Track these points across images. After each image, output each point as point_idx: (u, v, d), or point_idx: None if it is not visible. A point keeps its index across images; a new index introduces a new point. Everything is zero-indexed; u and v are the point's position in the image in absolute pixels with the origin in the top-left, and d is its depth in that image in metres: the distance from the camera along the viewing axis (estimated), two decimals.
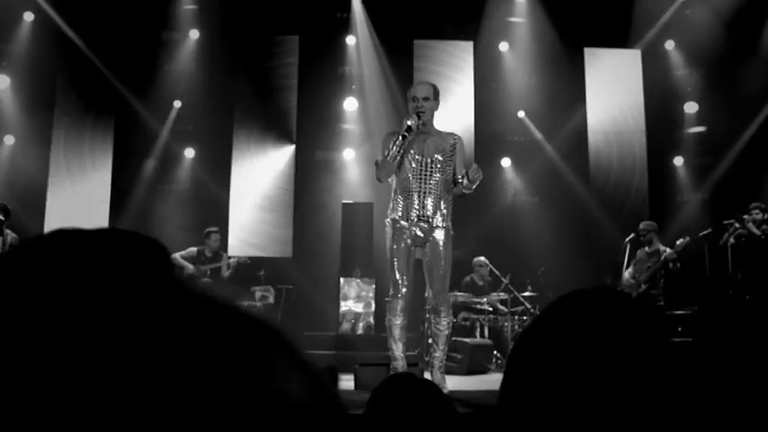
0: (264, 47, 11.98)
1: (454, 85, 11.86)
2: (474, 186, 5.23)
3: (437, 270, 5.30)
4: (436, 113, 5.44)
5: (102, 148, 11.43)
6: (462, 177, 5.30)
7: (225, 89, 11.82)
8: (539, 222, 11.76)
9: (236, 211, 11.59)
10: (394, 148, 5.10)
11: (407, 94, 5.42)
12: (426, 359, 5.50)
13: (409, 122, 5.13)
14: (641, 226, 9.63)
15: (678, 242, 9.13)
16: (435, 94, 5.38)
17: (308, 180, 11.86)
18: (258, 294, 10.25)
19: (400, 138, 5.11)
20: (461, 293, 9.63)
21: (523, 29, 12.31)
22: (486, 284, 10.06)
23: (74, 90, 11.44)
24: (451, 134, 5.49)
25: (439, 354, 5.40)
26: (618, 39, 11.91)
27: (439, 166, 5.28)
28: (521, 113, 12.26)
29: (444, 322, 5.35)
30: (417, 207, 5.25)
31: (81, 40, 11.37)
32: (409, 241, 5.28)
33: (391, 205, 5.36)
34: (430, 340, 6.07)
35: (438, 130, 5.46)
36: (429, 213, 5.27)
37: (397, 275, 5.26)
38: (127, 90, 11.49)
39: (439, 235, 5.31)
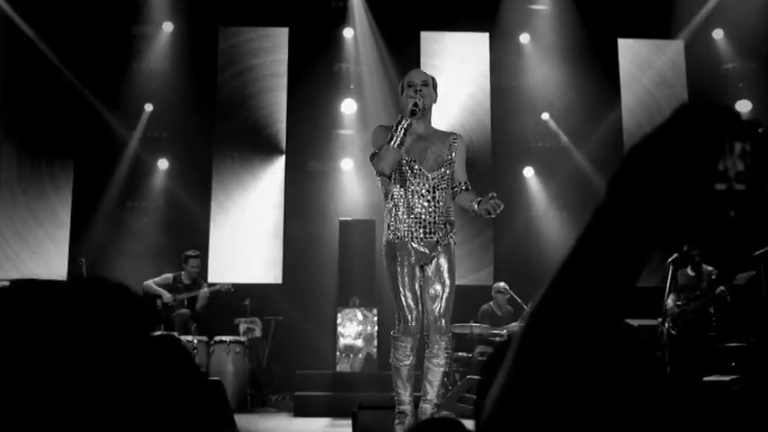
0: (249, 41, 11.99)
1: (468, 84, 11.84)
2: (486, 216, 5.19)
3: (443, 290, 5.24)
4: (438, 115, 5.46)
5: (62, 159, 11.40)
6: (463, 189, 5.33)
7: (203, 90, 11.81)
8: (566, 241, 11.69)
9: (218, 232, 11.55)
10: (400, 130, 5.10)
11: (400, 85, 5.43)
12: (428, 399, 5.29)
13: (417, 100, 5.14)
14: (688, 248, 9.56)
15: (739, 276, 9.05)
16: (434, 85, 5.41)
17: (300, 195, 11.83)
18: (243, 327, 10.18)
19: (407, 119, 5.11)
20: (478, 324, 9.55)
21: (547, 18, 12.29)
22: (507, 314, 9.98)
23: (28, 91, 11.43)
24: (450, 134, 5.50)
25: (433, 395, 5.22)
26: (657, 27, 11.88)
27: (440, 177, 5.30)
28: (545, 115, 12.22)
29: (444, 355, 5.20)
30: (419, 221, 5.24)
31: (37, 34, 11.38)
32: (413, 261, 5.23)
33: (388, 222, 5.33)
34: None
35: (435, 130, 5.48)
36: (433, 228, 5.25)
37: (405, 307, 5.16)
38: (90, 92, 11.48)
39: (444, 251, 5.28)
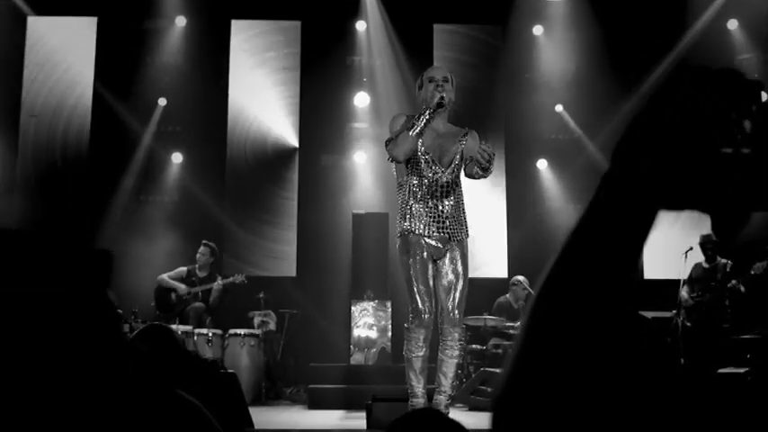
0: (262, 35, 11.99)
1: (481, 77, 11.81)
2: (489, 172, 5.15)
3: (456, 282, 5.32)
4: (452, 107, 5.51)
5: (76, 154, 11.45)
6: (471, 160, 5.32)
7: (216, 84, 11.83)
8: None
9: (232, 225, 11.56)
10: (422, 121, 5.19)
11: (419, 79, 5.50)
12: (442, 391, 5.32)
13: (442, 93, 5.22)
14: (702, 239, 9.53)
15: (756, 266, 9.03)
16: (453, 82, 5.48)
17: (313, 188, 11.83)
18: (257, 320, 10.20)
19: (431, 111, 5.20)
20: (492, 317, 9.55)
21: (561, 10, 12.24)
22: (523, 307, 9.97)
23: (43, 86, 11.48)
24: (462, 131, 5.55)
25: (447, 387, 5.28)
26: (671, 18, 11.80)
27: (454, 173, 5.38)
28: (558, 108, 12.19)
29: (458, 347, 5.28)
30: (433, 215, 5.29)
31: (49, 29, 11.41)
32: (426, 255, 5.26)
33: (401, 215, 5.37)
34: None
35: (451, 127, 5.56)
36: (446, 222, 5.31)
37: (419, 299, 5.22)
38: (104, 86, 11.52)
39: (458, 245, 5.36)
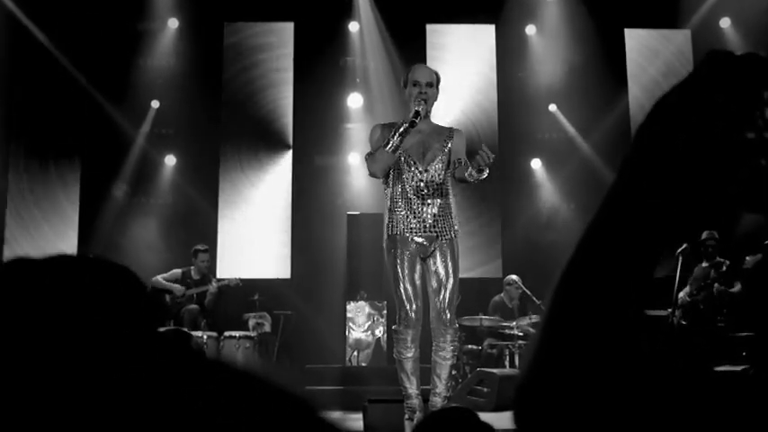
0: (254, 36, 11.99)
1: (474, 76, 11.81)
2: (484, 176, 5.11)
3: (446, 282, 5.25)
4: (444, 107, 5.47)
5: (69, 157, 11.42)
6: (461, 163, 5.24)
7: (210, 86, 11.81)
8: (575, 233, 11.63)
9: (226, 227, 11.56)
10: (396, 137, 5.09)
11: (404, 77, 5.43)
12: (437, 392, 5.30)
13: (419, 108, 5.11)
14: (705, 235, 9.53)
15: (748, 259, 9.03)
16: (438, 82, 5.41)
17: (307, 189, 11.83)
18: (252, 322, 10.18)
19: (406, 125, 5.10)
20: (488, 317, 9.55)
21: (553, 9, 12.26)
22: (516, 306, 9.98)
23: (34, 88, 11.44)
24: (447, 129, 5.50)
25: (441, 389, 5.24)
26: (664, 17, 11.83)
27: (437, 172, 5.30)
28: (552, 107, 12.20)
29: (450, 348, 5.22)
30: (418, 217, 5.25)
31: (42, 31, 11.39)
32: (412, 254, 5.24)
33: (387, 219, 5.33)
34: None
35: (434, 126, 5.50)
36: (432, 223, 5.26)
37: (405, 300, 5.18)
38: (96, 89, 11.48)
39: (447, 244, 5.29)
